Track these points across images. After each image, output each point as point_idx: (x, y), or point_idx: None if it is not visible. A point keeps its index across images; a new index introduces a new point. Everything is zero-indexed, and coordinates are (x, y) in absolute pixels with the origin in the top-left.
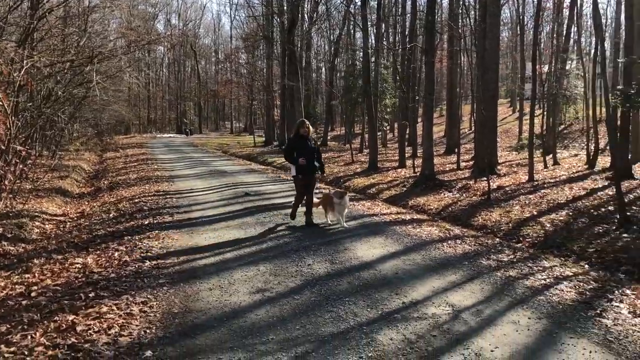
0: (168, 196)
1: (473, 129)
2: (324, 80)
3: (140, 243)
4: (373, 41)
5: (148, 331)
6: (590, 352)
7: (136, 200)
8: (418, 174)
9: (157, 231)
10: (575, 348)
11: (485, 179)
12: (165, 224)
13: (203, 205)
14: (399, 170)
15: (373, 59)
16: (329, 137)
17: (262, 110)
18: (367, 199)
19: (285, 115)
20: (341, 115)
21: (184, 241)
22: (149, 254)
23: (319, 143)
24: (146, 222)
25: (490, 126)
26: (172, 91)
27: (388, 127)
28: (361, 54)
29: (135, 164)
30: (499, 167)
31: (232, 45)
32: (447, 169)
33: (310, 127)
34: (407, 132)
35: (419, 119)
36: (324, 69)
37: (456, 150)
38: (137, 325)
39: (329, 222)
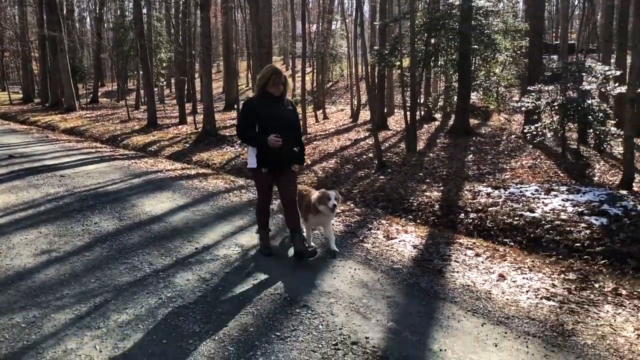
0: None
1: (250, 85)
2: (89, 31)
3: None
4: None
5: None
6: (355, 269)
7: None
8: (200, 130)
9: None
10: (343, 268)
11: None
12: None
13: None
14: (180, 126)
15: (145, 11)
16: (99, 93)
17: (18, 64)
18: (150, 157)
19: (48, 69)
20: (112, 70)
21: None
22: None
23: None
24: None
25: None
26: None
27: (165, 83)
28: (131, 4)
29: None
30: None
31: None
32: (228, 124)
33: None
34: (186, 87)
35: (197, 75)
36: (88, 18)
37: (235, 106)
38: None
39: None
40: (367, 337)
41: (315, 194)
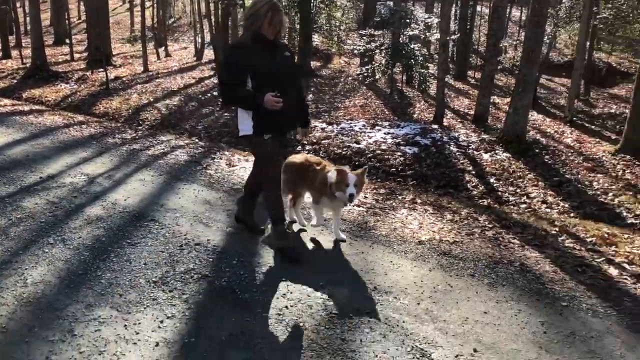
0: None
1: (82, 18)
2: None
3: None
4: None
5: None
6: (199, 191)
7: None
8: (28, 65)
9: None
10: (187, 190)
11: (102, 69)
12: None
13: None
14: (4, 61)
15: None
16: None
17: None
18: None
19: None
20: None
21: None
22: None
23: None
24: None
25: (102, 16)
26: None
27: None
28: None
29: None
30: (114, 59)
31: None
32: (61, 60)
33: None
34: (8, 18)
35: (19, 4)
36: None
37: (67, 40)
38: None
39: (300, 223)
40: (209, 239)
41: (332, 174)
